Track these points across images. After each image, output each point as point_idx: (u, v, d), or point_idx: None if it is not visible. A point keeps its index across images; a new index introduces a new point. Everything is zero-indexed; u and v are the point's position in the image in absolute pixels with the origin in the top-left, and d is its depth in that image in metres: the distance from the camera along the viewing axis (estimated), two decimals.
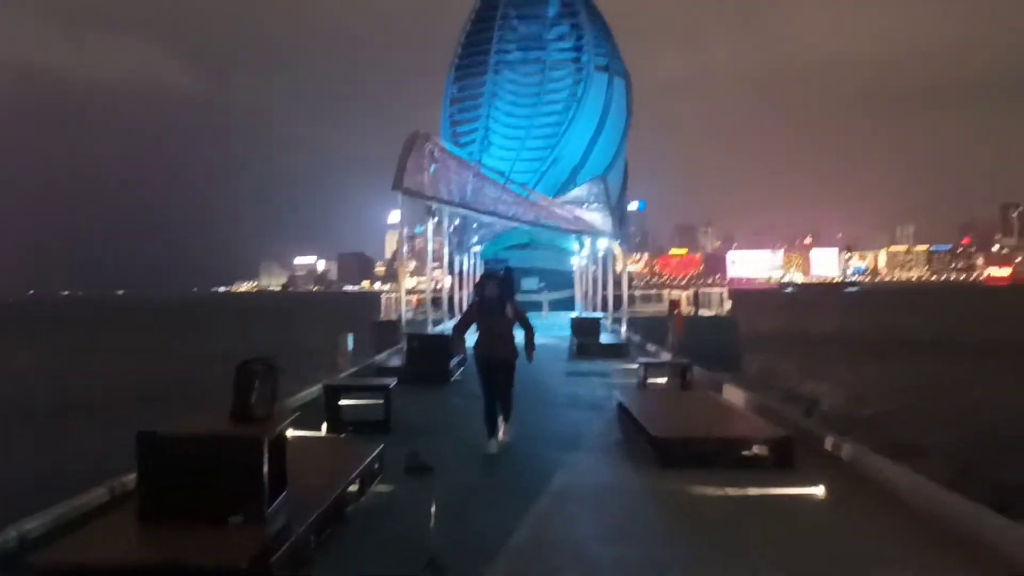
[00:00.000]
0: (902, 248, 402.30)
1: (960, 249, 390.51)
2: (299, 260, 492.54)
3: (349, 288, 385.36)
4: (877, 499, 6.61)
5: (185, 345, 50.48)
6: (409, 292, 35.90)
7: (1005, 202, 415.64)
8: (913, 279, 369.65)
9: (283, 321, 75.64)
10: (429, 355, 13.53)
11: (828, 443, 8.08)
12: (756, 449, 7.50)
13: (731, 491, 6.78)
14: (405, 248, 20.00)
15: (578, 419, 10.26)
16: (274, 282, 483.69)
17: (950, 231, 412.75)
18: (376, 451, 6.71)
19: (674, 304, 21.47)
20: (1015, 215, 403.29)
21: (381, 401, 9.43)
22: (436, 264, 34.91)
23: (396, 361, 14.89)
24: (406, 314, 29.71)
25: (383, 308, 34.32)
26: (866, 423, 21.88)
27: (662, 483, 7.09)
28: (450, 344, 14.07)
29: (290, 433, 5.22)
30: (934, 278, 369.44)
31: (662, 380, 12.82)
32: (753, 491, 6.79)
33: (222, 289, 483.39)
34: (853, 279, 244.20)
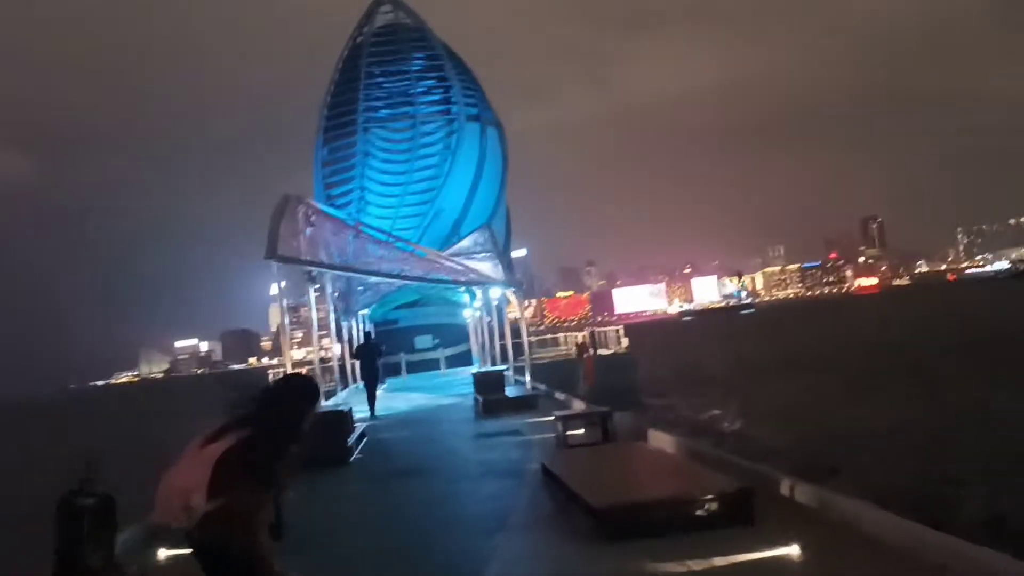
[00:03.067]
0: (776, 268, 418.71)
1: (829, 264, 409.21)
2: (180, 343, 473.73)
3: (236, 367, 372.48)
4: (859, 550, 5.73)
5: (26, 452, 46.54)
6: (297, 364, 34.07)
7: (864, 216, 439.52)
8: (790, 296, 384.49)
9: (159, 411, 71.38)
10: (322, 435, 12.07)
11: (784, 487, 7.20)
12: (710, 507, 6.52)
13: (695, 565, 5.76)
14: (287, 319, 18.52)
15: (497, 491, 9.07)
16: (155, 369, 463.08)
17: (817, 248, 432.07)
18: None
19: (582, 347, 20.52)
20: (874, 227, 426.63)
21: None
22: (324, 332, 33.21)
23: None
24: None
25: None
26: (779, 448, 21.52)
27: (614, 563, 6.02)
28: (345, 419, 12.75)
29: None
30: (808, 294, 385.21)
31: (581, 431, 11.79)
32: (720, 561, 5.79)
33: (100, 383, 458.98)
34: (747, 302, 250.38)
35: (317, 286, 24.49)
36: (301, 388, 3.63)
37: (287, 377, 3.73)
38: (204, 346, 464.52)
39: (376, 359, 21.71)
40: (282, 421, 3.44)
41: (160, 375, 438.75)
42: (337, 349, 32.10)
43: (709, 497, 6.52)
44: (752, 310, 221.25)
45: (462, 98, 48.32)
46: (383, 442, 14.76)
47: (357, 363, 31.20)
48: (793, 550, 5.80)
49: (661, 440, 10.09)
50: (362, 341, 27.45)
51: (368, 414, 20.08)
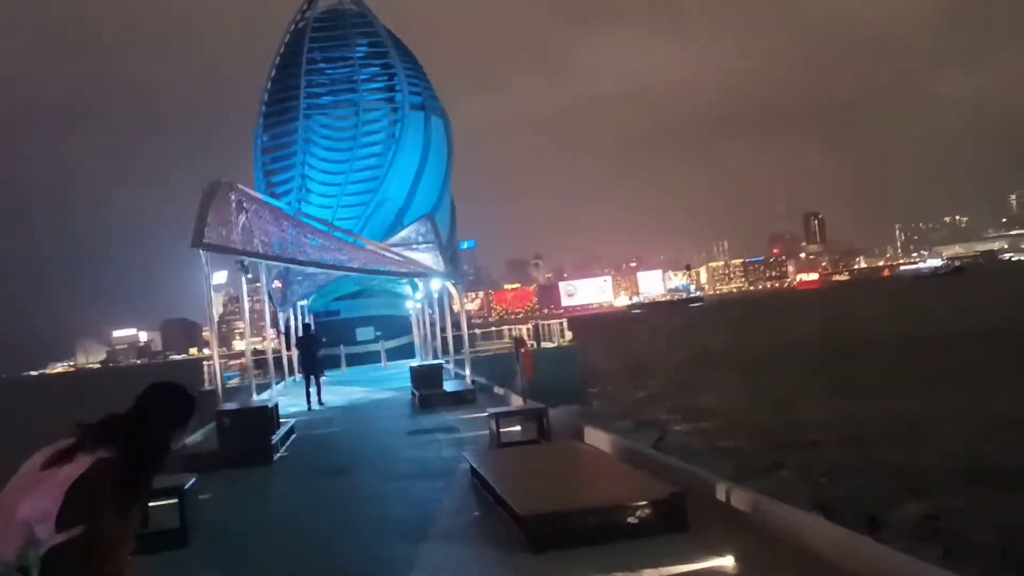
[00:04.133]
0: (720, 263, 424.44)
1: (772, 259, 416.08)
2: (118, 333, 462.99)
3: (176, 357, 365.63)
4: (796, 559, 5.42)
5: None
6: (233, 356, 33.21)
7: (807, 212, 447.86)
8: (733, 291, 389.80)
9: (90, 400, 69.44)
10: (245, 432, 11.52)
11: (720, 492, 6.87)
12: (642, 514, 6.15)
13: (625, 575, 5.40)
14: (216, 311, 17.72)
15: (424, 493, 8.61)
16: (92, 359, 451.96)
17: (760, 244, 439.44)
18: None
19: (519, 341, 20.09)
20: (816, 223, 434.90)
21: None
22: (274, 324, 32.31)
23: (213, 440, 12.75)
24: (224, 382, 27.05)
25: (206, 376, 31.34)
26: (716, 448, 21.46)
27: (538, 574, 5.64)
28: (270, 416, 12.18)
29: None
30: (751, 288, 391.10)
31: (516, 428, 11.39)
32: (650, 571, 5.42)
33: (34, 372, 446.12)
34: (697, 295, 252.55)
35: (250, 275, 23.68)
36: (175, 400, 3.01)
37: (158, 386, 3.03)
38: (143, 336, 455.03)
39: (315, 351, 21.20)
40: (153, 439, 2.87)
41: (97, 365, 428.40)
42: (273, 341, 31.26)
43: (641, 503, 6.15)
44: (702, 303, 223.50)
45: (406, 86, 47.57)
46: (312, 439, 14.20)
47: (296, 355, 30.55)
48: (728, 560, 5.46)
49: (597, 439, 9.72)
50: (301, 332, 26.78)
51: (306, 407, 19.57)
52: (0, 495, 2.72)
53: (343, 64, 47.31)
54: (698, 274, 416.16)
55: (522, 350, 15.94)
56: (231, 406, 13.06)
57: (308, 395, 20.04)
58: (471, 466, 8.41)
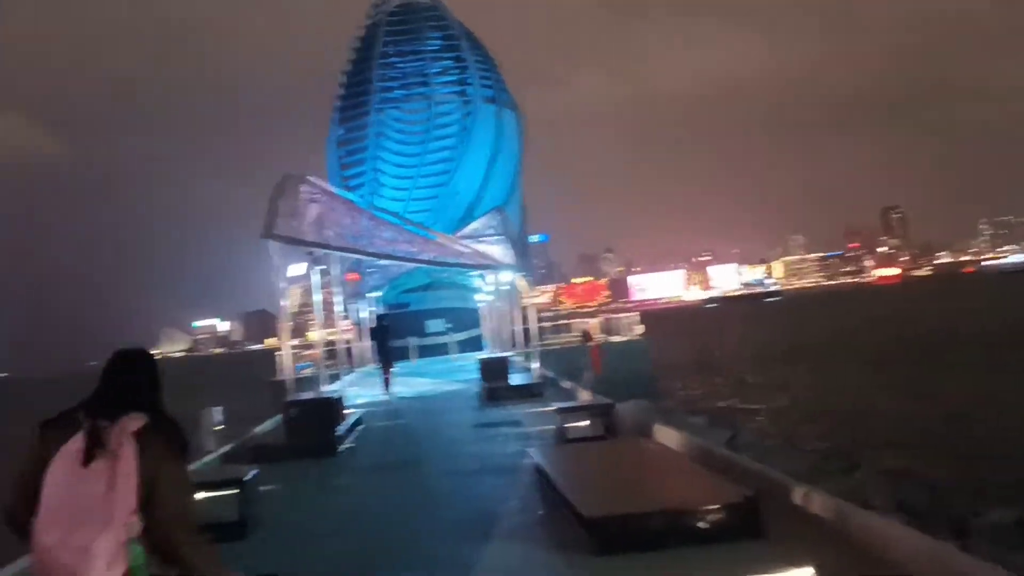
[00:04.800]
0: (796, 257, 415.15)
1: (849, 253, 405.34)
2: (200, 323, 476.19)
3: (253, 347, 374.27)
4: (880, 571, 5.05)
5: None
6: (307, 347, 33.62)
7: (885, 206, 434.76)
8: (809, 285, 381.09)
9: (172, 388, 71.21)
10: (311, 423, 11.51)
11: (797, 496, 6.50)
12: (714, 518, 5.84)
13: None
14: (293, 302, 17.91)
15: (487, 490, 8.42)
16: (176, 348, 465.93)
17: (837, 238, 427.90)
18: None
19: (586, 335, 19.73)
20: (895, 217, 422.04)
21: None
22: (345, 315, 32.66)
23: (280, 431, 12.81)
24: (297, 371, 27.35)
25: (279, 367, 31.76)
26: (790, 447, 20.80)
27: None
28: (336, 407, 12.16)
29: None
30: (828, 283, 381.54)
31: (583, 424, 11.11)
32: None
33: None
34: (773, 289, 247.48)
35: (323, 267, 23.90)
36: (152, 364, 2.92)
37: (132, 353, 2.91)
38: (225, 326, 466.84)
39: (387, 341, 21.79)
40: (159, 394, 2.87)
41: (181, 353, 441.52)
42: (345, 332, 31.59)
43: (713, 507, 5.84)
44: (778, 297, 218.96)
45: (478, 79, 47.55)
46: (378, 430, 14.16)
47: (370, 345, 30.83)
48: (807, 571, 5.11)
49: (666, 436, 9.40)
50: (374, 324, 27.04)
51: (380, 395, 19.83)
52: (56, 511, 2.49)
53: (415, 58, 47.55)
54: (771, 268, 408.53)
55: (589, 344, 15.64)
56: (298, 397, 13.11)
57: (386, 383, 20.61)
58: (535, 463, 8.19)
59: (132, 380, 2.79)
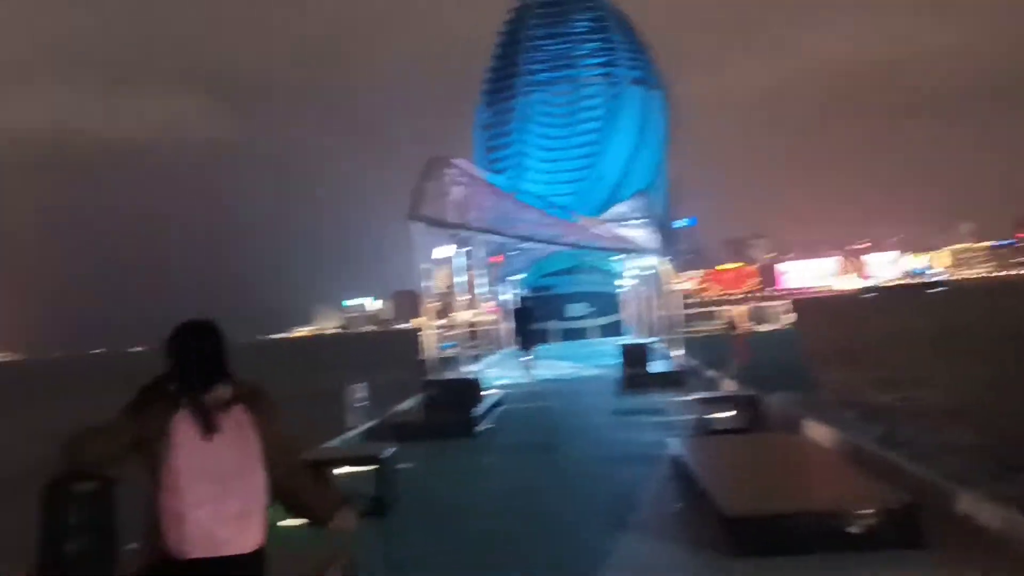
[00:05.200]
0: (963, 246, 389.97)
1: (1021, 243, 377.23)
2: (353, 301, 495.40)
3: (401, 326, 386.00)
4: None
5: None
6: (451, 327, 34.18)
7: None
8: (977, 276, 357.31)
9: (323, 363, 74.31)
10: (450, 404, 11.59)
11: (962, 503, 5.94)
12: (869, 523, 5.40)
13: None
14: (427, 283, 18.27)
15: (623, 479, 8.18)
16: (329, 325, 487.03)
17: (1005, 227, 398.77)
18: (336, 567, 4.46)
19: (732, 323, 19.03)
20: None
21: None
22: (487, 297, 33.07)
23: (419, 410, 13.00)
24: (441, 351, 27.80)
25: (422, 346, 32.47)
26: (951, 447, 19.46)
27: None
28: (475, 388, 12.19)
29: None
30: (999, 274, 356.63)
31: (726, 415, 10.67)
32: None
33: (279, 336, 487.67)
34: (937, 279, 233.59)
35: (467, 249, 24.19)
36: (219, 327, 2.88)
37: (207, 324, 2.86)
38: (377, 304, 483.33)
39: (530, 324, 21.97)
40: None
41: (333, 331, 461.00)
42: (488, 313, 31.90)
43: (867, 511, 5.40)
44: (943, 288, 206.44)
45: (626, 60, 46.90)
46: (517, 412, 14.14)
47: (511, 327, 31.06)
48: None
49: (817, 432, 8.87)
50: (519, 306, 27.36)
51: (521, 378, 19.99)
52: (201, 484, 2.55)
53: (563, 40, 47.35)
54: (936, 257, 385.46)
55: (734, 333, 15.06)
56: (437, 377, 13.25)
57: (528, 364, 20.69)
58: (674, 454, 7.89)
59: (218, 350, 2.79)
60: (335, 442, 10.21)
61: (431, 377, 13.21)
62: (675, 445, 8.23)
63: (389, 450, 7.60)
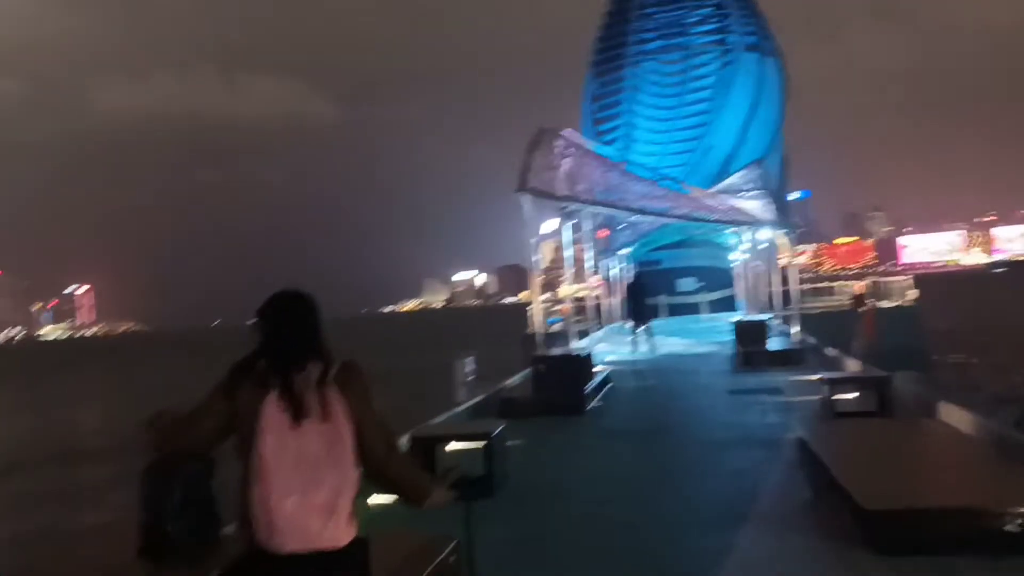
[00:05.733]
0: None
1: None
2: (459, 276, 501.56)
3: (509, 300, 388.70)
4: None
5: None
6: (557, 301, 33.94)
7: None
8: None
9: (429, 337, 75.27)
10: (559, 380, 11.30)
11: None
12: None
13: None
14: (535, 257, 17.97)
15: (744, 465, 7.73)
16: (437, 299, 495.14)
17: None
18: (446, 550, 4.22)
19: (859, 298, 17.92)
20: None
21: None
22: (595, 271, 32.67)
23: (528, 386, 12.77)
24: (547, 326, 27.55)
25: (529, 320, 32.35)
26: None
27: None
28: (585, 365, 11.89)
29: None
30: None
31: (854, 397, 10.02)
32: None
33: (388, 309, 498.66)
34: None
35: (574, 221, 23.79)
36: (313, 298, 2.67)
37: (300, 294, 2.65)
38: (481, 278, 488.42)
39: (643, 298, 21.77)
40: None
41: (441, 304, 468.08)
42: (597, 288, 31.49)
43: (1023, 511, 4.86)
44: None
45: (740, 27, 45.31)
46: (627, 391, 13.76)
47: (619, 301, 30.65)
48: None
49: (956, 417, 8.19)
50: (631, 280, 27.03)
51: (631, 354, 19.80)
52: (287, 473, 2.39)
53: (674, 7, 46.08)
54: None
55: (862, 309, 14.23)
56: (547, 353, 12.99)
57: (640, 341, 20.59)
58: (800, 438, 7.40)
59: (309, 324, 2.58)
60: (442, 418, 10.09)
61: (540, 352, 12.96)
62: (799, 428, 7.73)
63: (498, 427, 7.38)
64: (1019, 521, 4.86)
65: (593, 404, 11.91)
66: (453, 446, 7.27)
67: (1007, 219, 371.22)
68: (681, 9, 45.76)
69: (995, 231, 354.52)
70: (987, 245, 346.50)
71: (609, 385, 13.70)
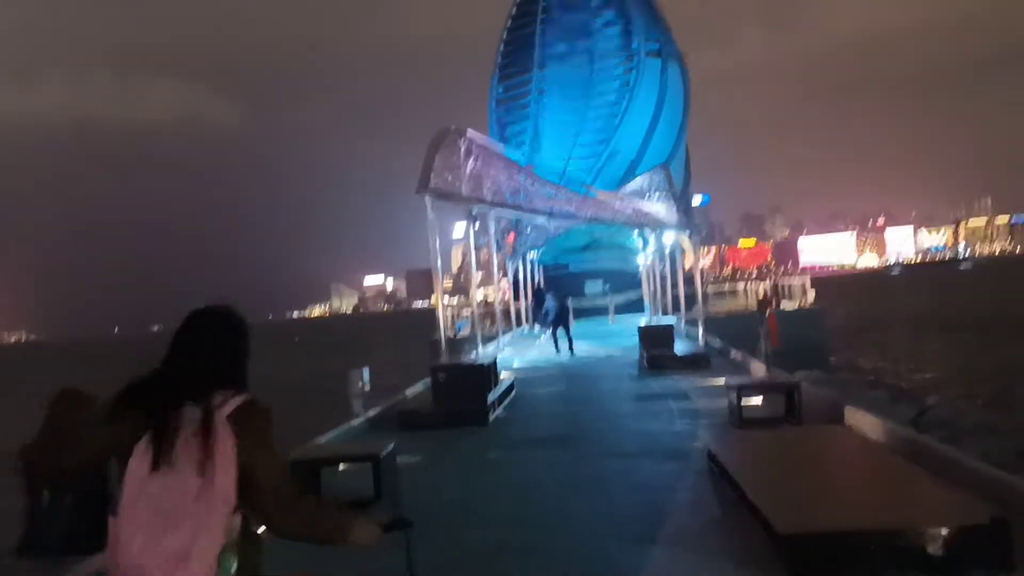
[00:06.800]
0: (981, 221, 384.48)
1: None
2: (368, 280, 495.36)
3: (419, 304, 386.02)
4: None
5: None
6: (463, 305, 33.44)
7: None
8: (996, 253, 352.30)
9: (337, 344, 73.83)
10: (460, 390, 10.76)
11: None
12: (947, 542, 4.56)
13: None
14: (439, 261, 17.28)
15: (651, 478, 7.35)
16: (345, 304, 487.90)
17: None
18: None
19: (765, 300, 17.89)
20: None
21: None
22: (503, 274, 32.28)
23: (429, 397, 12.17)
24: (455, 331, 27.05)
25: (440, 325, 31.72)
26: (989, 427, 18.53)
27: None
28: (487, 373, 11.40)
29: None
30: (1017, 250, 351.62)
31: (762, 403, 9.81)
32: None
33: (295, 315, 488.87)
34: (965, 256, 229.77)
35: (481, 224, 23.35)
36: (233, 316, 2.44)
37: (210, 311, 2.41)
38: (390, 283, 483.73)
39: (548, 302, 21.90)
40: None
41: (349, 310, 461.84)
42: (505, 291, 31.12)
43: (945, 528, 4.56)
44: (969, 265, 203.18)
45: (643, 32, 45.71)
46: (532, 399, 13.33)
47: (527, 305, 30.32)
48: None
49: (864, 423, 8.00)
50: (537, 284, 26.77)
51: (538, 359, 19.68)
52: (140, 511, 2.15)
53: (579, 12, 46.19)
54: (956, 233, 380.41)
55: (767, 310, 14.16)
56: (447, 362, 12.45)
57: (563, 343, 20.61)
58: (710, 450, 7.06)
59: (227, 348, 2.37)
60: (333, 434, 9.44)
61: (441, 361, 12.40)
62: (708, 438, 7.40)
63: (388, 445, 6.80)
64: (941, 542, 4.57)
65: (497, 413, 11.42)
66: (340, 467, 6.68)
67: (895, 221, 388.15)
68: (586, 14, 45.90)
69: (887, 233, 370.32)
70: (879, 247, 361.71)
71: (514, 392, 13.25)
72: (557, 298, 21.75)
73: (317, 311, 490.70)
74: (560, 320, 21.10)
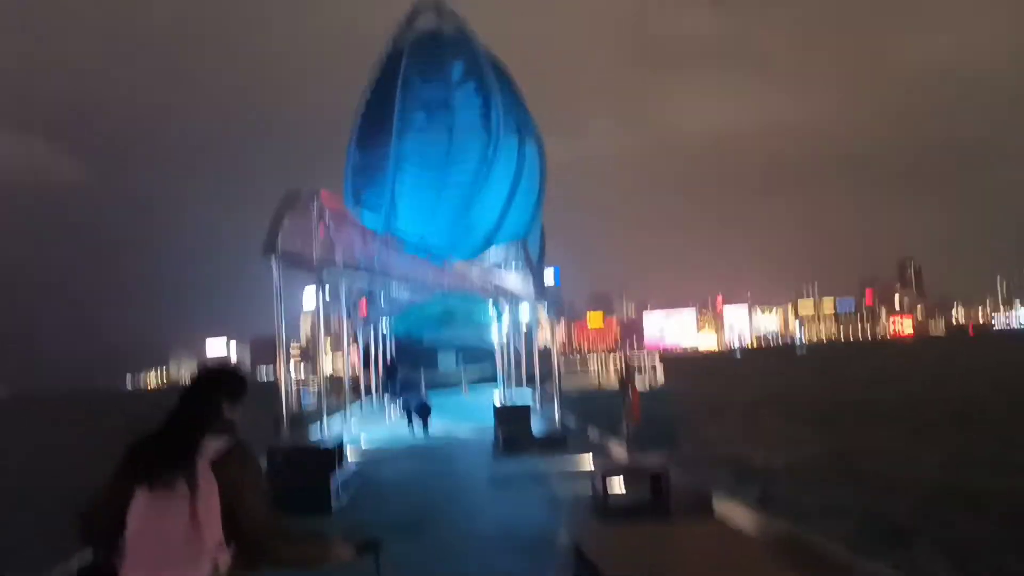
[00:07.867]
0: (810, 302, 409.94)
1: (865, 306, 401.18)
2: (210, 345, 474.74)
3: (263, 372, 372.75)
4: None
5: None
6: (308, 377, 31.95)
7: (902, 257, 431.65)
8: (825, 338, 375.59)
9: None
10: (299, 473, 9.69)
11: None
12: None
13: None
14: (284, 328, 15.98)
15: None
16: (184, 370, 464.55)
17: (851, 288, 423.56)
18: None
19: (627, 379, 17.41)
20: (911, 270, 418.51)
21: None
22: (354, 343, 30.96)
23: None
24: (303, 405, 25.60)
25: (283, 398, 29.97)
26: (831, 507, 18.83)
27: None
28: (330, 457, 10.38)
29: None
30: (843, 337, 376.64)
31: (624, 491, 9.23)
32: None
33: (128, 381, 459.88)
34: (800, 342, 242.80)
35: (331, 291, 22.31)
36: (227, 373, 2.80)
37: (208, 370, 2.78)
38: (234, 349, 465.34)
39: (400, 375, 20.99)
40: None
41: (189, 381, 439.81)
42: (355, 363, 29.88)
43: None
44: (802, 349, 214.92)
45: (501, 110, 46.28)
46: (381, 482, 12.32)
47: (378, 377, 29.16)
48: None
49: (735, 514, 7.56)
50: (389, 357, 25.80)
51: (387, 437, 18.76)
52: (140, 549, 2.37)
53: (439, 85, 46.39)
54: (787, 314, 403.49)
55: (629, 388, 13.79)
56: (284, 444, 11.32)
57: (414, 421, 19.63)
58: (576, 546, 6.38)
59: (212, 401, 2.67)
60: None
61: (278, 443, 11.25)
62: (575, 533, 6.72)
63: None
64: None
65: (342, 500, 10.37)
66: None
67: (730, 301, 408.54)
68: (446, 88, 46.15)
69: (725, 310, 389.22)
70: (717, 323, 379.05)
71: (362, 475, 12.22)
72: (410, 371, 20.90)
73: (152, 379, 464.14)
74: (413, 395, 20.36)
